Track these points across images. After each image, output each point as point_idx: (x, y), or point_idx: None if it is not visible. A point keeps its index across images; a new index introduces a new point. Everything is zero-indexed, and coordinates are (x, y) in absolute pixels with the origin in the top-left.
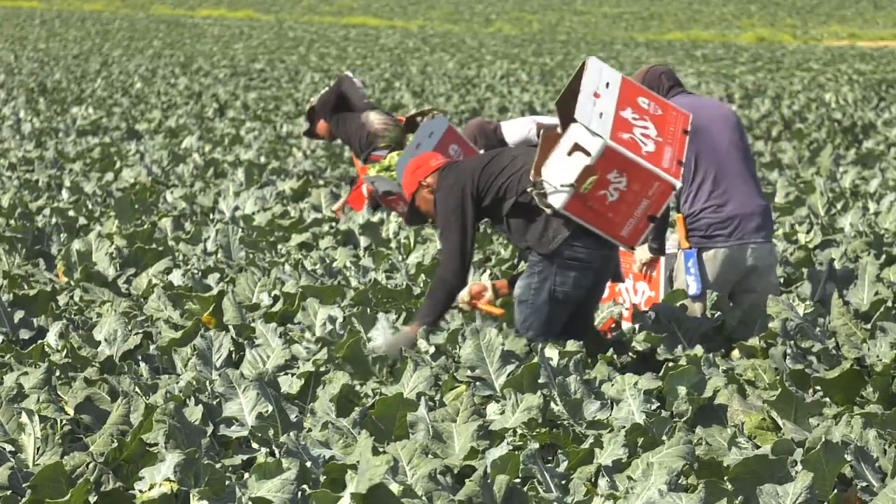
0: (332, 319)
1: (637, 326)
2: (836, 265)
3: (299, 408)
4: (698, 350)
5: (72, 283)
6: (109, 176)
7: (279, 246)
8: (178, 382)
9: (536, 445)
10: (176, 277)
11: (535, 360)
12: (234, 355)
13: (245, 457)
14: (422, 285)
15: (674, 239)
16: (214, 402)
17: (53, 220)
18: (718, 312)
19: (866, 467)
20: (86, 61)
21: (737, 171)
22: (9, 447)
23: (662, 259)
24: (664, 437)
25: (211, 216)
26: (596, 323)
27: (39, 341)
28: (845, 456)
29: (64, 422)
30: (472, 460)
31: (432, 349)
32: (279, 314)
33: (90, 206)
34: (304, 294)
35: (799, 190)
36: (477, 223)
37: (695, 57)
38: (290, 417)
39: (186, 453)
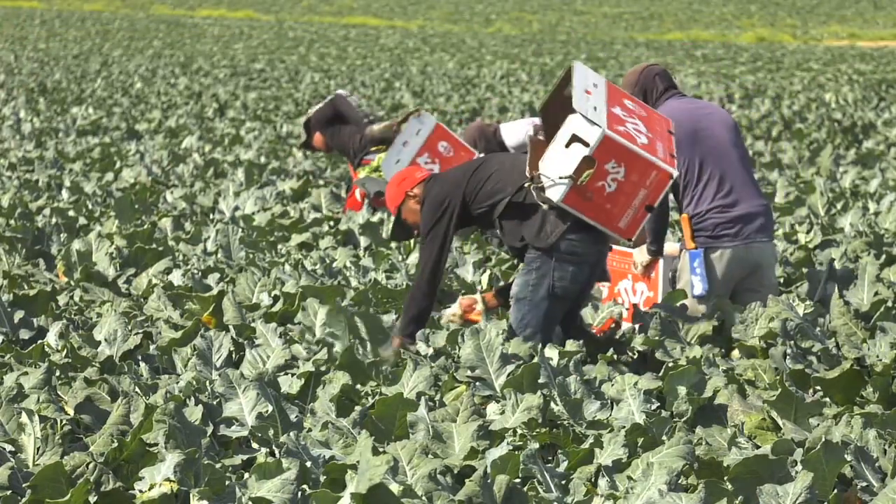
0: None
1: (637, 326)
2: (836, 265)
3: (299, 408)
4: (698, 350)
5: (72, 283)
6: (109, 176)
7: (279, 246)
8: (178, 382)
9: (536, 445)
10: (176, 277)
11: (536, 360)
12: (234, 355)
13: (245, 457)
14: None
15: (673, 240)
16: (214, 402)
17: (53, 220)
18: (719, 312)
19: (866, 467)
20: (86, 61)
21: (739, 172)
22: (9, 447)
23: (661, 260)
24: (664, 437)
25: (211, 216)
26: (596, 323)
27: (39, 341)
28: (845, 456)
29: (64, 422)
30: (472, 460)
31: (431, 350)
32: (279, 314)
33: (90, 206)
34: (304, 294)
35: (799, 190)
36: (456, 232)
37: (695, 57)
38: (290, 417)
39: (186, 453)
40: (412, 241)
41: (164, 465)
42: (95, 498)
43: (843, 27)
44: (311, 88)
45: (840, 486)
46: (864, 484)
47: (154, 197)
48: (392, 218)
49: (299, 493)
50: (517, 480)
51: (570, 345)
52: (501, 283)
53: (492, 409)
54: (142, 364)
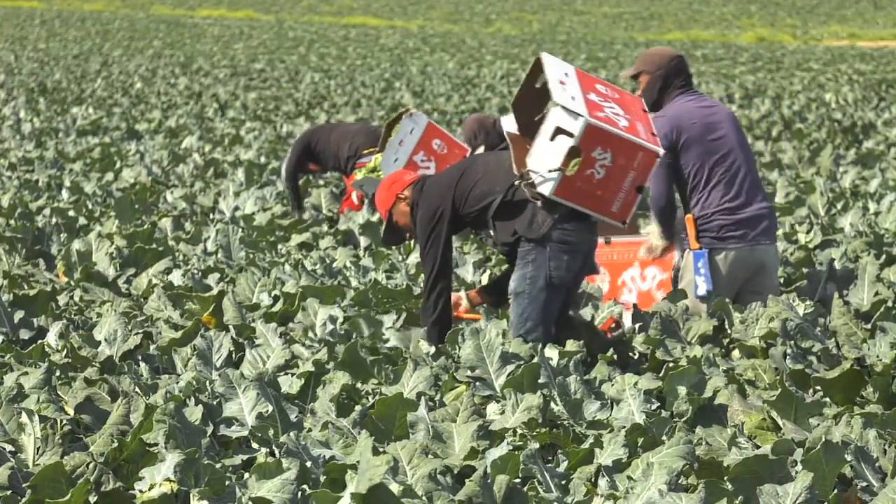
0: (332, 319)
1: (637, 326)
2: (836, 265)
3: (299, 408)
4: (698, 350)
5: (72, 283)
6: (109, 176)
7: (279, 246)
8: (178, 382)
9: (536, 445)
10: (176, 277)
11: (536, 360)
12: (234, 355)
13: (245, 457)
14: (422, 285)
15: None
16: (214, 402)
17: (53, 220)
18: (719, 312)
19: (866, 467)
20: (86, 61)
21: (747, 175)
22: (9, 447)
23: (676, 244)
24: (664, 437)
25: (211, 216)
26: (596, 322)
27: (39, 341)
28: (845, 456)
29: (64, 422)
30: (472, 460)
31: (432, 349)
32: (279, 314)
33: (90, 206)
34: (304, 294)
35: (799, 190)
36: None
37: (695, 57)
38: (290, 417)
39: (186, 453)
40: (412, 241)
41: (164, 465)
42: (95, 498)
43: (843, 27)
44: (311, 88)
45: (840, 486)
46: (864, 484)
47: (154, 197)
48: (384, 224)
49: (299, 493)
50: (517, 480)
51: (570, 345)
52: (484, 284)
53: (492, 409)
54: (142, 364)
